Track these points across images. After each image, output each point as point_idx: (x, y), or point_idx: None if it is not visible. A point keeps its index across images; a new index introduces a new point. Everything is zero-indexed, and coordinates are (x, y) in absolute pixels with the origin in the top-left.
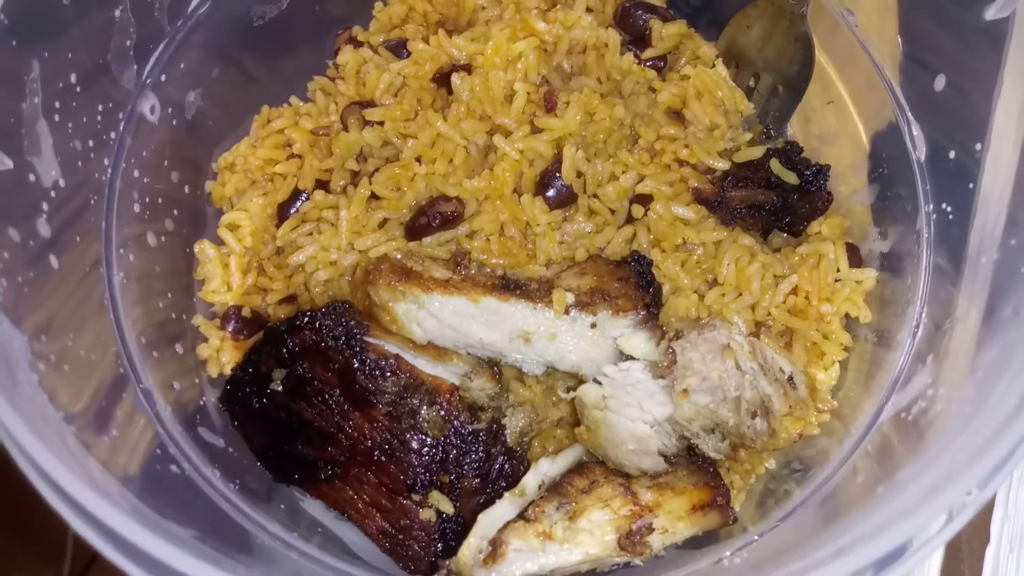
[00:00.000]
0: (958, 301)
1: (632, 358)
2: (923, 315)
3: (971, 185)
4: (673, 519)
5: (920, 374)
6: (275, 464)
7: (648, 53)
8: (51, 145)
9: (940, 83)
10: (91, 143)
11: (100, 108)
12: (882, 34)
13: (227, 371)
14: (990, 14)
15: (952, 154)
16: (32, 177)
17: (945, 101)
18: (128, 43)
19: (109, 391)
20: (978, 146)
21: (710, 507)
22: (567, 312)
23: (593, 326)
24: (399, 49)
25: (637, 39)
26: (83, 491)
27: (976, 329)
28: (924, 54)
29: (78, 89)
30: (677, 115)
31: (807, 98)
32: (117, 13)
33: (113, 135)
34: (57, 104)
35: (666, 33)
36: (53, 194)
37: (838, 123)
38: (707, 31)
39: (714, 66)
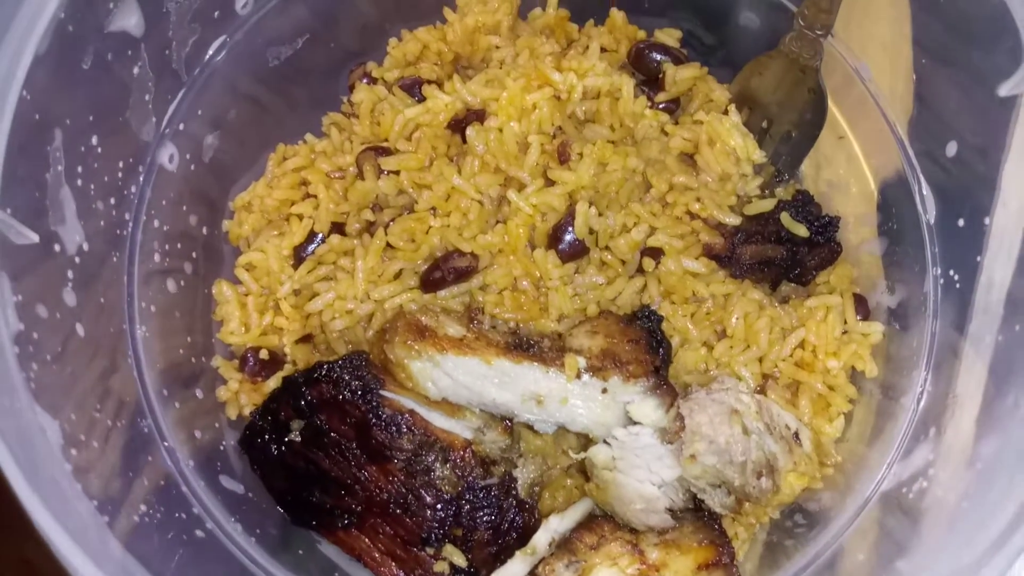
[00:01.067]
0: (960, 376)
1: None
2: (928, 382)
3: (979, 258)
4: None
5: (921, 447)
6: (293, 509)
7: (661, 97)
8: (74, 211)
9: (952, 149)
10: (112, 200)
11: (121, 165)
12: (894, 92)
13: (246, 412)
14: (1004, 90)
15: (961, 222)
16: (57, 247)
17: (956, 167)
18: (147, 97)
19: (137, 458)
20: (986, 220)
21: (715, 566)
22: (579, 376)
23: (604, 391)
24: (413, 88)
25: (651, 80)
26: None
27: (977, 412)
28: (937, 118)
29: (99, 150)
30: (690, 159)
31: (819, 142)
32: (136, 70)
33: (134, 188)
34: (79, 168)
35: (679, 77)
36: (78, 260)
37: (849, 172)
38: (720, 69)
39: (726, 112)
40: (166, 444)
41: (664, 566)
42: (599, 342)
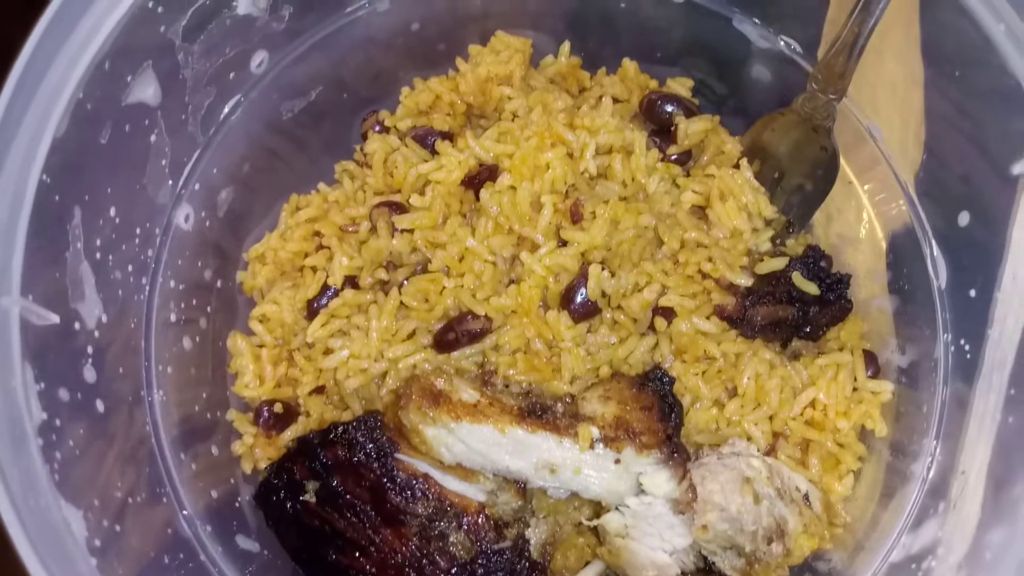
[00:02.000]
0: (966, 452)
1: None
2: (937, 451)
3: (989, 331)
4: None
5: (930, 522)
6: (309, 566)
7: (673, 150)
8: (93, 284)
9: (964, 219)
10: (130, 268)
11: (138, 231)
12: (905, 153)
13: (260, 466)
14: (1017, 169)
15: (973, 292)
16: (77, 325)
17: (968, 238)
18: (163, 162)
19: (157, 534)
20: (997, 294)
21: None
22: (592, 447)
23: (617, 461)
24: (426, 139)
25: (663, 130)
26: None
27: (984, 496)
28: (948, 188)
29: (117, 221)
30: (701, 211)
31: (830, 196)
32: (153, 138)
33: (150, 252)
34: (98, 242)
35: (691, 131)
36: (97, 334)
37: (860, 226)
38: (732, 119)
39: (738, 166)
40: (185, 512)
41: None
42: (612, 409)
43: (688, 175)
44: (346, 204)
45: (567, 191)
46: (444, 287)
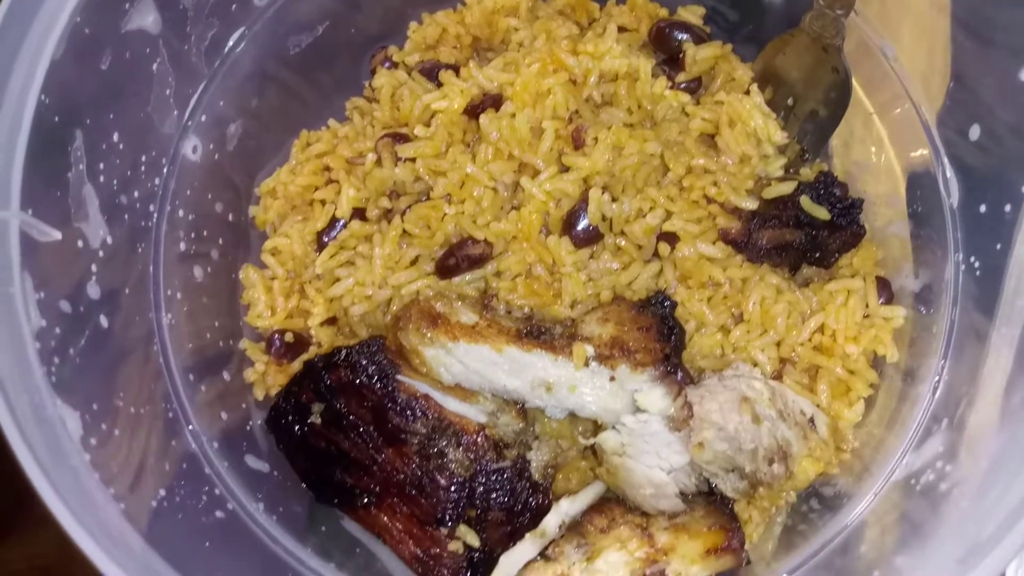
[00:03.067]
0: (979, 366)
1: None
2: (944, 370)
3: (998, 246)
4: (687, 563)
5: (933, 438)
6: (317, 486)
7: (682, 77)
8: (97, 207)
9: (975, 133)
10: (136, 194)
11: (143, 159)
12: (931, 67)
13: (272, 393)
14: None
15: (983, 208)
16: (80, 243)
17: (979, 152)
18: (168, 92)
19: (159, 443)
20: (1007, 207)
21: (724, 551)
22: (587, 365)
23: (612, 379)
24: (433, 72)
25: (672, 59)
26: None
27: (992, 406)
28: (962, 100)
29: (121, 147)
30: (710, 140)
31: (848, 120)
32: (155, 67)
33: (157, 181)
34: (101, 166)
35: (700, 57)
36: (101, 254)
37: (877, 152)
38: (745, 46)
39: (748, 91)
40: (191, 427)
41: (672, 550)
42: (609, 330)
43: (698, 104)
44: (355, 139)
45: (570, 118)
46: (445, 214)
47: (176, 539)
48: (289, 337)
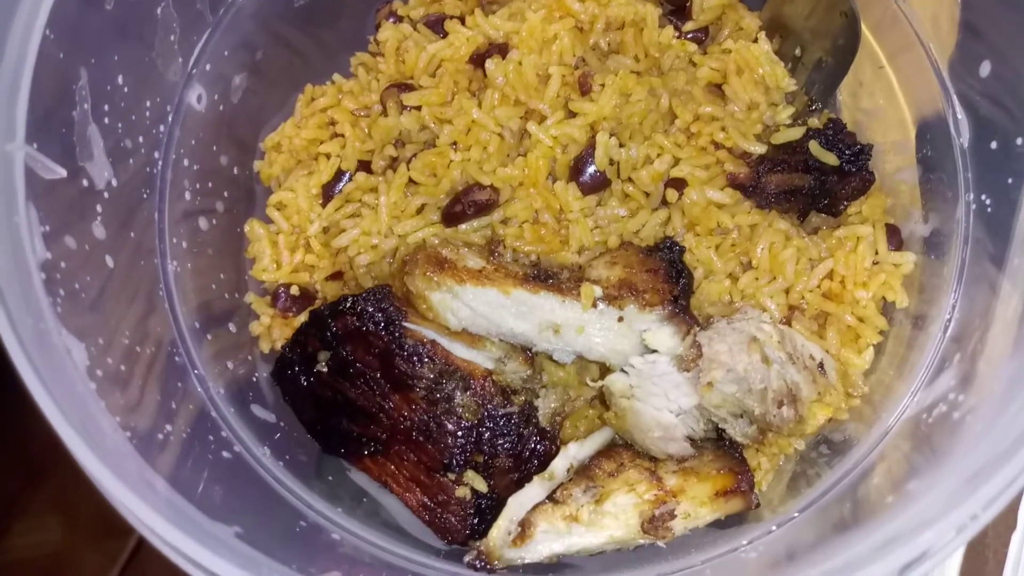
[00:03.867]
0: (990, 303)
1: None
2: (956, 308)
3: (1010, 180)
4: (696, 504)
5: (945, 374)
6: (323, 437)
7: (689, 26)
8: (102, 148)
9: (985, 69)
10: (141, 139)
11: (148, 104)
12: (924, 9)
13: (278, 347)
14: None
15: (994, 144)
16: (85, 182)
17: (990, 89)
18: (172, 37)
19: (165, 384)
20: (1019, 140)
21: (733, 493)
22: (595, 305)
23: (620, 319)
24: (438, 25)
25: (678, 9)
26: (136, 498)
27: (1005, 337)
28: (972, 38)
29: (126, 89)
30: (718, 89)
31: (856, 69)
32: (159, 11)
33: (162, 128)
34: (106, 107)
35: (707, 5)
36: (106, 195)
37: (886, 99)
38: (749, 2)
39: (756, 40)
40: (197, 372)
41: (681, 492)
42: (617, 272)
43: (705, 54)
44: (360, 93)
45: (577, 64)
46: (451, 161)
47: (181, 471)
48: (295, 291)
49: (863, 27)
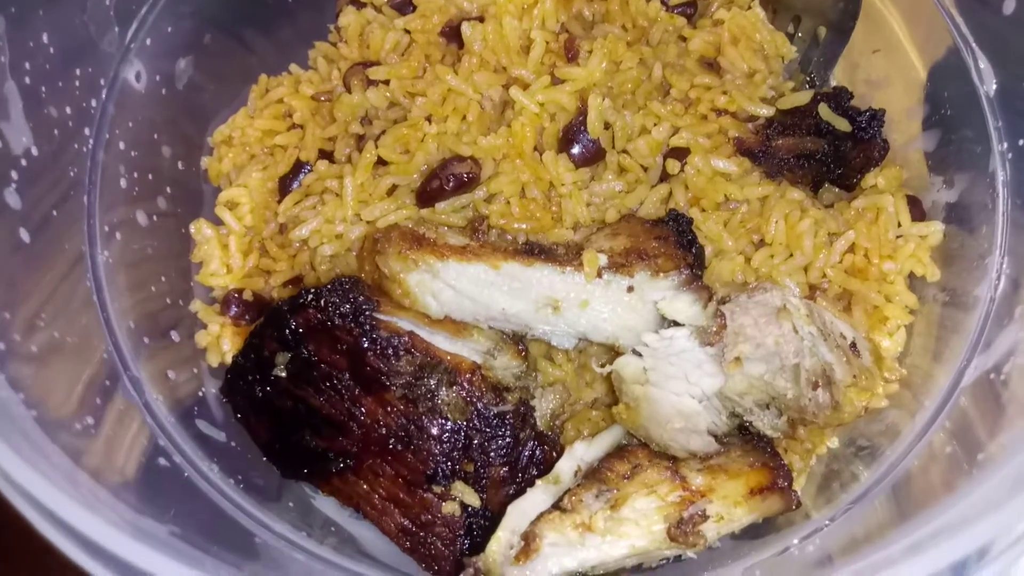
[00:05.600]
0: None
1: (675, 324)
2: (1004, 265)
3: None
4: (729, 504)
5: (1007, 330)
6: (282, 458)
7: None
8: (20, 109)
9: (1010, 6)
10: (68, 110)
11: (78, 72)
12: None
13: (228, 360)
14: None
15: None
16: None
17: (1016, 26)
18: (108, 2)
19: (93, 383)
20: None
21: (770, 490)
22: (600, 275)
23: (630, 289)
24: (404, 7)
25: None
26: (65, 503)
27: None
28: None
29: (51, 50)
30: (711, 66)
31: (851, 45)
32: None
33: (94, 103)
34: (27, 65)
35: None
36: (24, 162)
37: (890, 65)
38: None
39: (750, 8)
40: (130, 374)
41: (711, 491)
42: (622, 242)
43: (695, 28)
44: (320, 83)
45: (560, 31)
46: (426, 134)
47: (104, 467)
48: (248, 296)
49: None
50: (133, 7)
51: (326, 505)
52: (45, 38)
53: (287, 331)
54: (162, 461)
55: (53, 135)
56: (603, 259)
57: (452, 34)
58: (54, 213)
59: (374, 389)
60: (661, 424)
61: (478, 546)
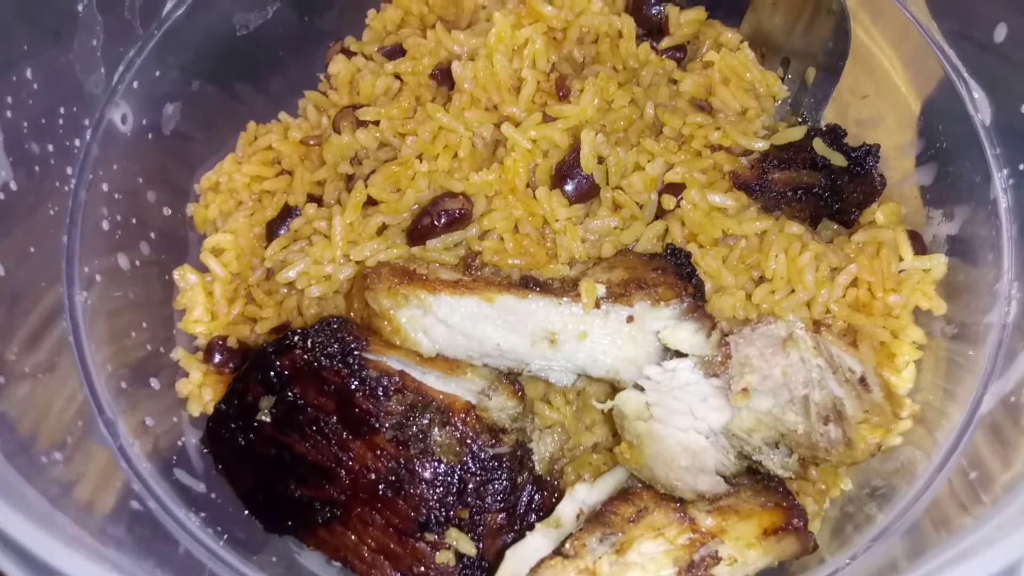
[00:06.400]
0: None
1: (678, 355)
2: (1014, 290)
3: None
4: (742, 546)
5: (1021, 355)
6: (265, 511)
7: (666, 43)
8: (0, 142)
9: (1001, 33)
10: (51, 148)
11: (62, 111)
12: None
13: (210, 410)
14: None
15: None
16: None
17: (1008, 52)
18: (95, 42)
19: (68, 425)
20: None
21: (785, 531)
22: (598, 305)
23: (630, 319)
24: (395, 55)
25: (653, 31)
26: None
27: None
28: (977, 5)
29: (35, 86)
30: (702, 108)
31: (841, 87)
32: (80, 8)
33: (78, 142)
34: (9, 99)
35: (684, 20)
36: (2, 196)
37: (881, 103)
38: (727, 22)
39: (739, 50)
40: (104, 416)
41: (722, 533)
42: (619, 274)
43: (685, 71)
44: (310, 130)
45: (551, 70)
46: (416, 172)
47: (74, 507)
48: (233, 343)
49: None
50: (121, 49)
51: (311, 560)
52: (28, 73)
53: (272, 373)
54: (135, 505)
55: (34, 171)
56: (601, 289)
57: (443, 77)
58: (31, 250)
59: (363, 432)
60: (666, 462)
61: None
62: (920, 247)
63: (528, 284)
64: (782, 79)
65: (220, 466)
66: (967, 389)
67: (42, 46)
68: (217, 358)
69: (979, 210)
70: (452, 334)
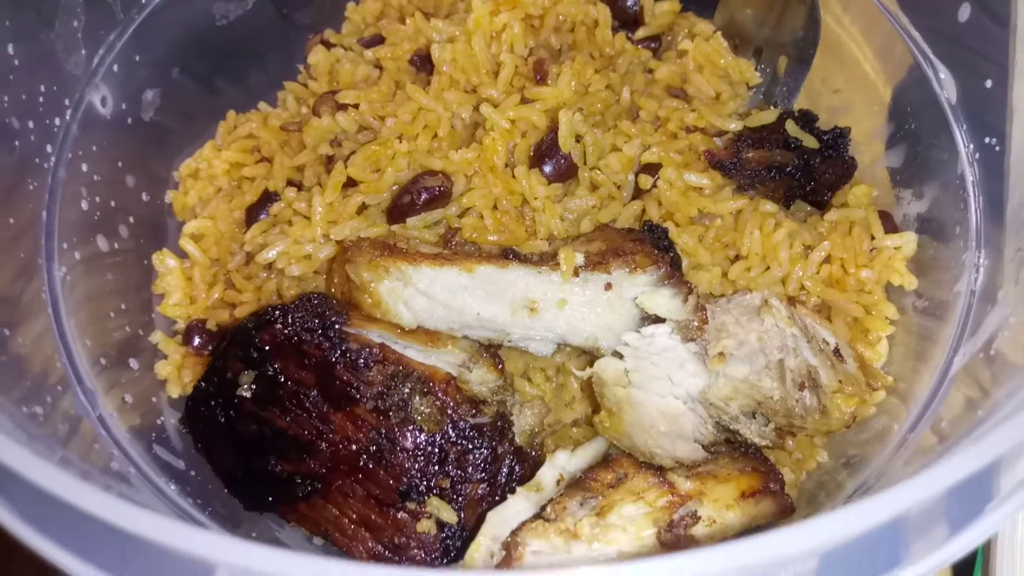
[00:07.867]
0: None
1: (656, 321)
2: (981, 257)
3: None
4: (721, 508)
5: (994, 312)
6: (245, 489)
7: (641, 33)
8: None
9: (964, 13)
10: (31, 124)
11: (43, 89)
12: None
13: (189, 391)
14: None
15: (989, 83)
16: None
17: (972, 31)
18: (76, 23)
19: (44, 385)
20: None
21: (762, 493)
22: (577, 274)
23: (608, 287)
24: (374, 45)
25: (628, 23)
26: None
27: None
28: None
29: (16, 62)
30: (677, 96)
31: (811, 79)
32: None
33: (58, 121)
34: None
35: (659, 11)
36: None
37: (850, 90)
38: (701, 14)
39: (713, 38)
40: (83, 386)
41: (701, 495)
42: (598, 246)
43: (660, 60)
44: (289, 119)
45: (528, 54)
46: (396, 152)
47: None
48: (212, 325)
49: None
50: (101, 32)
51: (292, 538)
52: (10, 48)
53: (252, 348)
54: (114, 465)
55: (14, 146)
56: (580, 257)
57: (422, 63)
58: (11, 220)
59: (343, 404)
60: (645, 429)
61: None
62: (891, 226)
63: (508, 255)
64: (757, 65)
65: (200, 445)
66: (940, 351)
67: (24, 23)
68: (196, 341)
69: (947, 187)
70: (433, 305)
